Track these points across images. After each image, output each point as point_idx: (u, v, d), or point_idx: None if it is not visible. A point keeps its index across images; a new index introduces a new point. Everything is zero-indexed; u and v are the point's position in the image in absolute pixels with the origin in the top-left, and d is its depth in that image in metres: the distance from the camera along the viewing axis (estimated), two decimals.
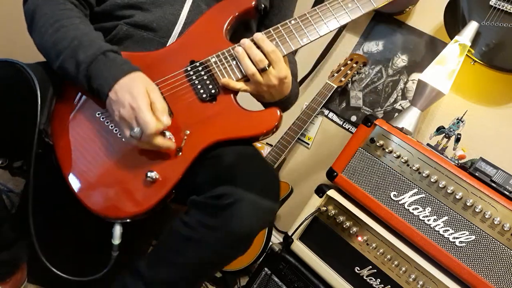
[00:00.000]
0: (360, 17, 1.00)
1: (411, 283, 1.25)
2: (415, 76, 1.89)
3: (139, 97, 0.83)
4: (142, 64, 0.93)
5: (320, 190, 1.44)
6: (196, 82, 0.95)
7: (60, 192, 0.93)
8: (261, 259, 1.55)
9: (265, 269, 1.47)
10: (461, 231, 1.21)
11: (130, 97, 0.84)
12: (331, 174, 1.43)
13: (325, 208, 1.41)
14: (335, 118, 2.09)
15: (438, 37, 1.85)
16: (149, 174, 0.89)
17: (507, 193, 1.19)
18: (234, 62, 0.95)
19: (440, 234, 1.23)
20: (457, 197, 1.22)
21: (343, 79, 1.96)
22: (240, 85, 0.95)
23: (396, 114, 1.91)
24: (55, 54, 0.89)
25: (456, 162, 1.36)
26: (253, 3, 0.99)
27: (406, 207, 1.29)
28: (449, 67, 1.52)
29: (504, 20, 1.50)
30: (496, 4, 1.50)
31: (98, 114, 0.94)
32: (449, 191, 1.23)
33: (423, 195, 1.28)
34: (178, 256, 0.86)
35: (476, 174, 1.24)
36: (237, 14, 0.99)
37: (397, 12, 1.92)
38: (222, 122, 0.93)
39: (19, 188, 1.50)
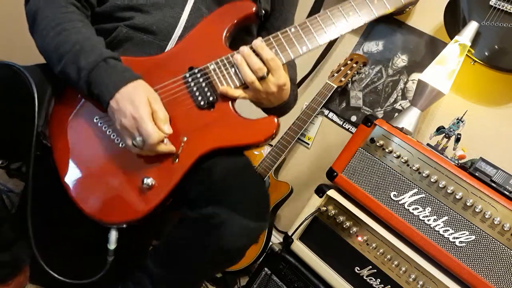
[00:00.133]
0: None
1: (411, 283, 1.25)
2: (415, 76, 1.89)
3: (141, 106, 0.84)
4: (142, 69, 0.93)
5: (320, 190, 1.44)
6: (194, 89, 0.95)
7: (57, 193, 0.93)
8: (261, 259, 1.55)
9: (265, 269, 1.47)
10: (461, 231, 1.21)
11: (131, 107, 0.84)
12: (331, 174, 1.43)
13: (325, 208, 1.41)
14: (335, 118, 2.09)
15: (438, 37, 1.85)
16: (145, 180, 0.89)
17: (507, 193, 1.19)
18: (233, 70, 0.94)
19: (440, 234, 1.23)
20: (457, 197, 1.22)
21: (343, 79, 1.96)
22: (239, 92, 0.94)
23: (396, 114, 1.91)
24: (56, 58, 0.89)
25: (456, 162, 1.36)
26: (254, 9, 0.98)
27: (406, 207, 1.29)
28: (449, 67, 1.52)
29: (504, 20, 1.50)
30: (496, 4, 1.50)
31: (96, 119, 0.94)
32: (449, 191, 1.23)
33: (423, 195, 1.28)
34: (176, 261, 0.90)
35: (476, 174, 1.24)
36: (237, 20, 0.99)
37: (397, 12, 1.92)
38: (220, 130, 0.93)
39: (19, 188, 1.50)
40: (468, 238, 1.20)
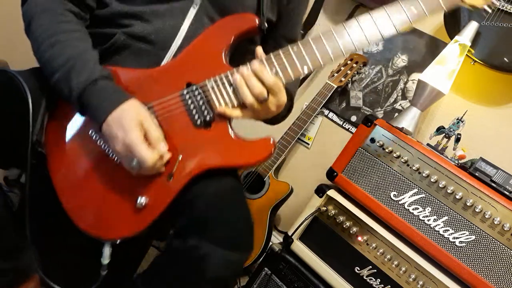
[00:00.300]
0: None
1: (411, 283, 1.25)
2: (415, 76, 1.89)
3: (131, 131, 0.83)
4: (138, 82, 0.93)
5: (320, 190, 1.44)
6: (191, 106, 0.92)
7: (52, 201, 0.93)
8: (261, 259, 1.55)
9: (265, 269, 1.47)
10: (461, 231, 1.21)
11: (122, 132, 0.83)
12: (331, 174, 1.43)
13: (325, 208, 1.41)
14: (335, 118, 2.09)
15: (438, 37, 1.85)
16: (139, 200, 0.88)
17: (507, 193, 1.19)
18: (231, 89, 0.91)
19: (440, 234, 1.23)
20: (457, 197, 1.22)
21: (343, 79, 1.96)
22: (237, 113, 0.92)
23: (396, 114, 1.91)
24: (50, 71, 0.88)
25: (456, 162, 1.36)
26: (256, 22, 0.95)
27: (406, 207, 1.29)
28: (449, 67, 1.52)
29: (504, 20, 1.50)
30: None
31: (91, 133, 0.93)
32: (449, 191, 1.23)
33: (423, 195, 1.28)
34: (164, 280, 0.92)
35: (476, 174, 1.24)
36: (238, 34, 0.95)
37: None
38: (216, 150, 0.91)
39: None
40: (468, 238, 1.20)
